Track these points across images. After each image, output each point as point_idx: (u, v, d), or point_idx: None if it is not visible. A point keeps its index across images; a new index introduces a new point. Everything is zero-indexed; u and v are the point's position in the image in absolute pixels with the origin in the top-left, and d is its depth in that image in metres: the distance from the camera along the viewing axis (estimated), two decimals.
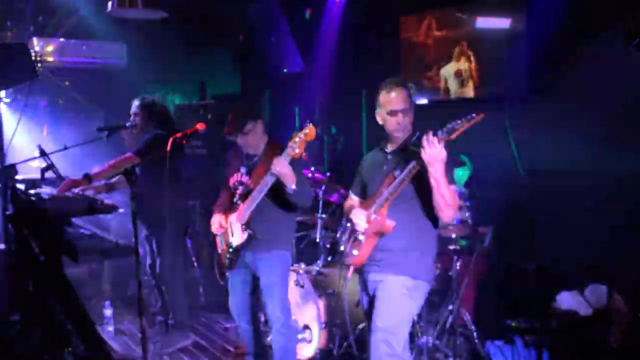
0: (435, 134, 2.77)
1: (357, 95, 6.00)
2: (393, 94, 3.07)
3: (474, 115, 2.72)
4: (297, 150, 3.25)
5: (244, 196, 3.60)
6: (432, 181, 2.85)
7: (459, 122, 2.74)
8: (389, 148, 3.18)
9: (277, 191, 3.47)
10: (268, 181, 3.40)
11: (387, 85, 3.12)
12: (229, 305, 3.88)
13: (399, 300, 3.04)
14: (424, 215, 3.07)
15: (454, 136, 2.75)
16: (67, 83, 6.50)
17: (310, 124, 3.27)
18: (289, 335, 3.75)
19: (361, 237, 3.11)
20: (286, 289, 3.75)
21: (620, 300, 3.85)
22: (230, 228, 3.66)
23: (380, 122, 3.18)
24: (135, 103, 4.62)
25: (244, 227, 3.56)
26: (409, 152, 3.02)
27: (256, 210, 3.53)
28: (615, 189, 4.10)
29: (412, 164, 2.90)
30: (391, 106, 3.08)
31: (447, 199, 2.89)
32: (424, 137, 2.80)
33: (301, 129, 3.27)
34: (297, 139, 3.25)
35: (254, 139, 3.64)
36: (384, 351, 3.01)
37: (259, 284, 3.71)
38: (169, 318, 4.69)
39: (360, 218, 3.10)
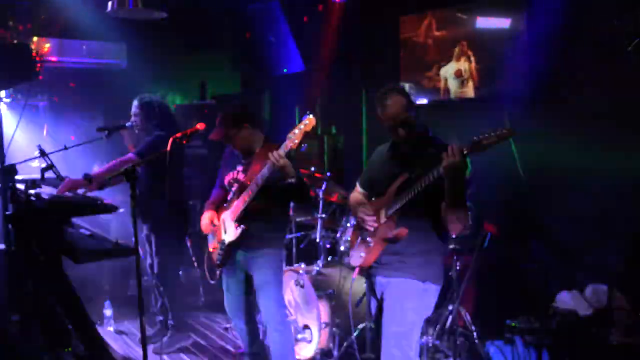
0: (461, 146, 2.64)
1: (357, 95, 6.00)
2: (387, 108, 2.97)
3: (504, 130, 2.56)
4: (296, 141, 3.23)
5: (239, 193, 3.60)
6: (447, 198, 2.77)
7: (488, 135, 2.59)
8: (401, 150, 3.10)
9: (271, 189, 3.47)
10: (265, 173, 3.38)
11: (380, 98, 3.01)
12: (224, 306, 3.88)
13: (408, 304, 3.02)
14: (432, 217, 3.03)
15: (481, 151, 2.62)
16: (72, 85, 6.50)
17: (311, 114, 3.25)
18: (286, 332, 3.76)
19: (369, 239, 3.10)
20: (281, 286, 3.75)
21: (621, 298, 3.85)
22: (223, 225, 3.66)
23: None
24: (135, 103, 4.60)
25: (237, 223, 3.56)
26: (424, 153, 2.98)
27: (250, 208, 3.53)
28: (615, 189, 4.10)
29: (429, 175, 2.79)
30: (389, 121, 2.99)
31: (458, 217, 2.83)
32: (450, 146, 2.67)
33: (301, 121, 3.27)
34: (296, 130, 3.24)
35: (240, 143, 3.66)
36: (397, 355, 3.00)
37: (252, 283, 3.71)
38: (169, 318, 4.70)
39: (370, 217, 3.07)
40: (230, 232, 3.61)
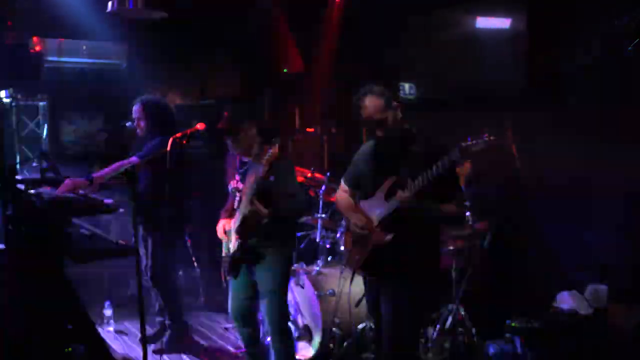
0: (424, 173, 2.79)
1: (357, 95, 5.99)
2: (363, 111, 3.00)
3: (491, 137, 2.66)
4: (264, 170, 3.25)
5: (239, 203, 3.62)
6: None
7: (474, 142, 2.67)
8: (387, 151, 3.11)
9: (269, 200, 3.47)
10: (246, 204, 3.44)
11: (357, 100, 3.03)
12: (228, 309, 3.88)
13: (406, 304, 3.03)
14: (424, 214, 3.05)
15: (469, 156, 2.70)
16: None
17: (276, 145, 3.26)
18: (288, 342, 3.76)
19: (364, 243, 3.11)
20: (285, 295, 3.75)
21: (621, 298, 3.86)
22: (230, 234, 3.68)
23: None
24: (137, 107, 4.45)
25: (237, 235, 3.58)
26: (410, 153, 3.00)
27: (250, 220, 3.52)
28: (615, 189, 4.10)
29: (426, 174, 2.82)
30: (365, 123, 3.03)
31: (445, 219, 3.04)
32: (399, 193, 2.86)
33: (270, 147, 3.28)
34: (263, 160, 3.26)
35: (244, 140, 3.64)
36: (397, 354, 3.01)
37: (257, 289, 3.71)
38: (166, 319, 4.68)
39: (362, 225, 3.09)
40: (233, 242, 3.63)
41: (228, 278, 3.79)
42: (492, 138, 2.64)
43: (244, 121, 3.61)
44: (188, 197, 5.08)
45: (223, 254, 3.79)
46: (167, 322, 4.66)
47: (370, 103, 2.98)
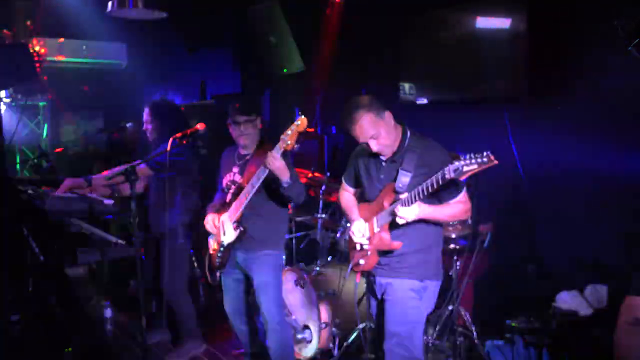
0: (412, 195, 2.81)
1: (358, 95, 5.98)
2: (354, 129, 2.97)
3: (485, 159, 2.61)
4: (289, 142, 3.25)
5: (236, 194, 3.61)
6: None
7: (469, 162, 2.62)
8: (384, 156, 3.10)
9: (269, 188, 3.48)
10: (260, 175, 3.40)
11: (346, 117, 2.98)
12: (224, 306, 3.89)
13: (408, 304, 3.04)
14: None
15: (462, 177, 2.65)
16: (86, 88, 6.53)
17: (302, 115, 3.27)
18: (285, 333, 3.76)
19: (366, 247, 3.11)
20: (279, 287, 3.76)
21: (621, 298, 3.85)
22: (222, 227, 3.67)
23: None
24: (146, 111, 4.39)
25: (235, 224, 3.57)
26: (406, 156, 2.99)
27: (248, 208, 3.53)
28: (615, 189, 4.10)
29: (420, 188, 2.82)
30: (359, 139, 3.01)
31: (449, 220, 3.13)
32: (396, 206, 2.85)
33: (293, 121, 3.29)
34: (289, 131, 3.25)
35: (251, 131, 3.65)
36: (400, 355, 3.01)
37: (252, 283, 3.71)
38: (182, 327, 4.62)
39: (362, 232, 3.09)
40: (229, 233, 3.61)
41: (219, 274, 3.79)
42: (484, 159, 2.61)
43: (253, 111, 3.65)
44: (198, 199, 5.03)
45: (211, 251, 3.79)
46: (181, 332, 4.60)
47: (361, 119, 2.94)
